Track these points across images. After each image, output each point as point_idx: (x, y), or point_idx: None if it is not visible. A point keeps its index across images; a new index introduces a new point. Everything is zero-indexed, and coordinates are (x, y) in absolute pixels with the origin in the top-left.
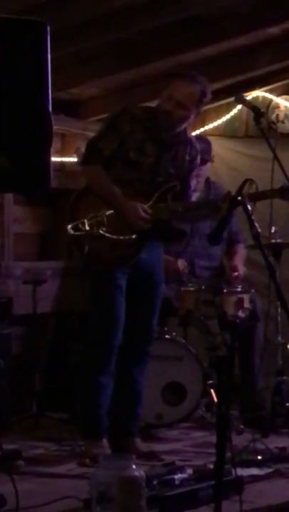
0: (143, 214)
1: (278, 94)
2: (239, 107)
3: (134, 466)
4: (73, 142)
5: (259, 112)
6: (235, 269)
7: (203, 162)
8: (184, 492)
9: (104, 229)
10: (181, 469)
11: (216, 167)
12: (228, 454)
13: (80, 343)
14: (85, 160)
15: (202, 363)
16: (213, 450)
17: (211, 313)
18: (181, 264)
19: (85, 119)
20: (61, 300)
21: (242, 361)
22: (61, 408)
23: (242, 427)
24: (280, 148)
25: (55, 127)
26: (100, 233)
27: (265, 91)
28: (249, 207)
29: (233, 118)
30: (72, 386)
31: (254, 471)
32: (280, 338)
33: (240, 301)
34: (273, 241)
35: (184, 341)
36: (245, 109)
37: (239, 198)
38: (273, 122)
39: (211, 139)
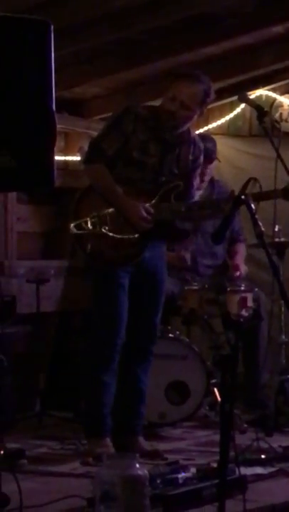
0: (145, 214)
1: (282, 93)
2: (242, 105)
3: (137, 465)
4: (77, 141)
5: (262, 110)
6: (236, 268)
7: (209, 161)
8: (187, 491)
9: (106, 228)
10: (185, 468)
11: (219, 166)
12: (232, 453)
13: (83, 341)
14: (87, 159)
15: (206, 362)
16: (216, 449)
17: (215, 312)
18: (184, 253)
19: (89, 118)
20: (65, 299)
21: (245, 360)
22: (65, 407)
23: (245, 425)
24: (284, 147)
25: (58, 126)
26: (103, 232)
27: (269, 90)
28: (253, 206)
29: (236, 117)
30: (75, 385)
31: (258, 470)
32: (283, 337)
33: (244, 299)
34: (277, 240)
35: (187, 340)
36: (249, 107)
37: (243, 197)
38: (277, 121)
39: (214, 137)
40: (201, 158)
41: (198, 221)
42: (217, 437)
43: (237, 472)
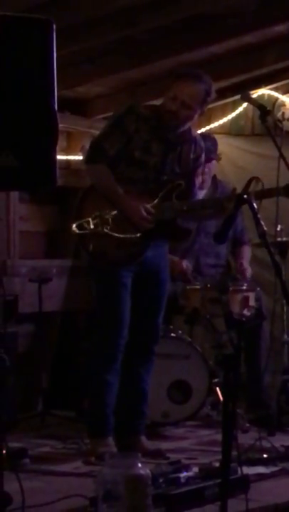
0: (145, 214)
1: (284, 92)
2: (245, 105)
3: (140, 465)
4: (79, 140)
5: (265, 110)
6: (241, 271)
7: (209, 160)
8: (189, 490)
9: (108, 227)
10: (187, 467)
11: (221, 165)
12: (234, 453)
13: (86, 341)
14: (89, 159)
15: (208, 361)
16: (219, 448)
17: (217, 312)
18: (186, 265)
19: (91, 118)
20: (67, 298)
21: (248, 359)
22: (67, 406)
23: (248, 425)
24: (286, 146)
25: (60, 125)
26: (105, 232)
27: (271, 89)
28: (255, 205)
29: (238, 116)
30: (78, 384)
31: (260, 469)
32: (286, 336)
33: (246, 299)
34: (279, 239)
35: (189, 339)
36: (251, 107)
37: (245, 196)
38: (279, 120)
39: (216, 137)
40: (203, 156)
41: (201, 220)
42: (219, 437)
43: (239, 471)
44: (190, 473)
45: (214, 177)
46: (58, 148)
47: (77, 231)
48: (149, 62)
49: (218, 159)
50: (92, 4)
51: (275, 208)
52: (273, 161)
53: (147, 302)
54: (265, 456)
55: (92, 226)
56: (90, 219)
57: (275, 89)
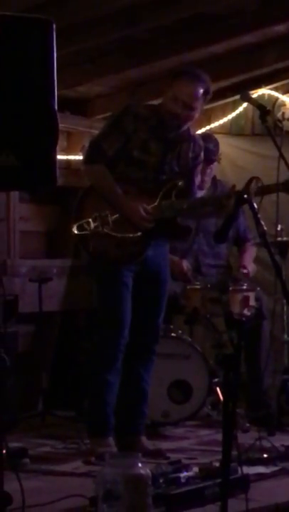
0: (144, 214)
1: (284, 92)
2: (245, 105)
3: (140, 464)
4: (79, 140)
5: (265, 109)
6: (244, 267)
7: (210, 162)
8: (189, 490)
9: (108, 227)
10: (187, 467)
11: (221, 165)
12: (234, 452)
13: (86, 341)
14: (88, 159)
15: (208, 361)
16: (219, 448)
17: (218, 311)
18: (186, 265)
19: (91, 117)
20: (68, 298)
21: (248, 359)
22: (67, 406)
23: (248, 425)
24: (286, 146)
25: (61, 125)
26: (105, 232)
27: (271, 89)
28: (255, 205)
29: (238, 116)
30: (78, 384)
31: (260, 469)
32: (286, 336)
33: (246, 299)
34: (279, 239)
35: (190, 339)
36: (251, 107)
37: (245, 196)
38: (279, 120)
39: (216, 136)
40: (202, 155)
41: (201, 218)
42: (219, 436)
43: (239, 471)
44: (190, 473)
45: (214, 177)
46: (58, 148)
47: (77, 232)
48: (149, 62)
49: (218, 160)
50: (92, 4)
51: (275, 207)
52: (273, 161)
53: (148, 302)
54: (265, 456)
55: (92, 226)
56: (91, 219)
57: (275, 89)
